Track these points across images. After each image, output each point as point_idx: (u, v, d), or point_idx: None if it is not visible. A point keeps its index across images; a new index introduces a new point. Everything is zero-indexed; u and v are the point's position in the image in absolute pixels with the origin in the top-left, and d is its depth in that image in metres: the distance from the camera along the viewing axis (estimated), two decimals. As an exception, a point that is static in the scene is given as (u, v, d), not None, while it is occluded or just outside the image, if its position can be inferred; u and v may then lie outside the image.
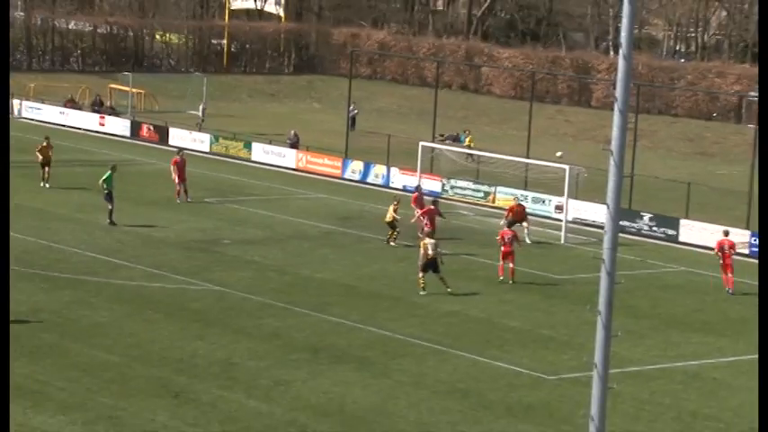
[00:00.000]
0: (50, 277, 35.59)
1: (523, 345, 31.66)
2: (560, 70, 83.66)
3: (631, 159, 49.02)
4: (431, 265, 35.74)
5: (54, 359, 28.32)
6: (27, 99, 72.75)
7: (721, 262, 39.25)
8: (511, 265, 37.97)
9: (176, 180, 47.95)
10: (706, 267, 42.17)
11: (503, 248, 38.05)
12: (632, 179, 48.06)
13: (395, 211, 42.18)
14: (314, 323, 32.51)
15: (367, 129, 63.58)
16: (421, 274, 35.87)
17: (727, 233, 40.57)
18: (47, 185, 49.88)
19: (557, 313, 35.01)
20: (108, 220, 43.03)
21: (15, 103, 71.31)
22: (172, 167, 48.31)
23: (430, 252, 35.70)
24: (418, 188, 46.01)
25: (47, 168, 50.34)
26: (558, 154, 48.70)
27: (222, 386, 27.03)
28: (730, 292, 38.67)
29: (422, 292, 35.65)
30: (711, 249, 41.71)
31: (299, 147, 60.61)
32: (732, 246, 39.38)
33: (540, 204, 49.22)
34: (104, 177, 43.83)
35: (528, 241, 43.87)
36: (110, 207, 43.37)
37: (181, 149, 50.76)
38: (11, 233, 40.26)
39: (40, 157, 50.58)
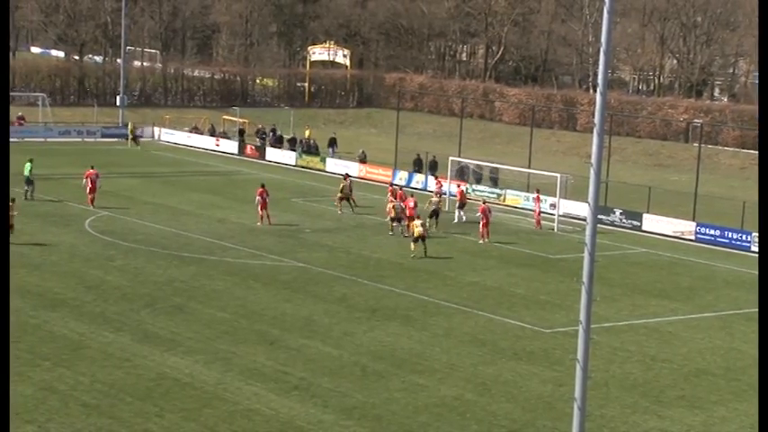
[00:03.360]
0: (180, 256, 35.73)
1: (527, 306, 31.44)
2: (553, 104, 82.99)
3: (606, 169, 48.52)
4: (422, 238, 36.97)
5: (183, 316, 28.44)
6: (164, 127, 73.13)
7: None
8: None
9: (260, 209, 41.04)
10: (663, 249, 41.67)
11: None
12: (607, 184, 47.58)
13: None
14: (372, 290, 32.42)
15: (410, 147, 63.33)
16: (413, 245, 36.89)
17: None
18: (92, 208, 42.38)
19: (551, 283, 34.73)
20: (25, 198, 42.42)
21: (155, 129, 71.81)
22: (258, 199, 41.20)
23: (421, 229, 37.07)
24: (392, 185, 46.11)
25: (92, 194, 42.71)
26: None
27: (304, 336, 27.03)
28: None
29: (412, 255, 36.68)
30: (667, 236, 41.16)
31: (367, 161, 60.40)
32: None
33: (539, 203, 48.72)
34: (27, 167, 43.38)
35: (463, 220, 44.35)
36: (26, 188, 42.72)
37: (347, 175, 46.28)
38: (153, 224, 40.65)
39: (88, 184, 42.73)
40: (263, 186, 42.38)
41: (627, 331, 29.30)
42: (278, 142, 66.07)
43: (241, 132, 69.62)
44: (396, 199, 42.62)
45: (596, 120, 15.08)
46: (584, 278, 15.34)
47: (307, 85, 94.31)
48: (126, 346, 25.43)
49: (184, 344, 25.89)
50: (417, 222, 37.63)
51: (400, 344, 26.81)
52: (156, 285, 31.43)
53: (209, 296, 30.70)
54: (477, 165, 52.81)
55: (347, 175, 48.88)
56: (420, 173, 55.26)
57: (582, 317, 15.42)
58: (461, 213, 45.40)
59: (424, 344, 26.92)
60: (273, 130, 69.04)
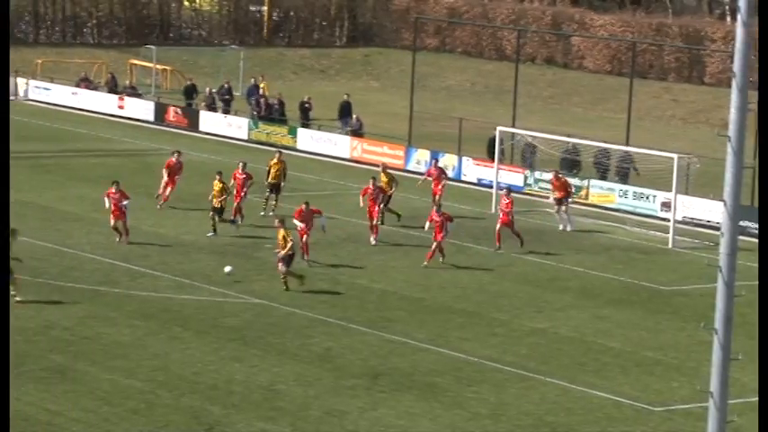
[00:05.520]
0: (62, 288, 35.76)
1: (624, 370, 31.51)
2: (666, 40, 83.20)
3: (754, 146, 48.60)
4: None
5: (67, 385, 28.49)
6: (34, 78, 73.28)
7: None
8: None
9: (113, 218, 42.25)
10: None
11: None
12: (755, 170, 47.66)
13: None
14: (373, 343, 32.50)
15: (434, 111, 63.51)
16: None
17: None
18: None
19: (664, 332, 34.81)
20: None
21: (20, 82, 71.70)
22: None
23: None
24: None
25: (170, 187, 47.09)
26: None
27: (264, 417, 27.10)
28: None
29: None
30: None
31: (364, 134, 60.47)
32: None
33: (643, 201, 48.96)
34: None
35: (568, 228, 45.83)
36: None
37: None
38: (18, 236, 40.64)
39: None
40: (116, 185, 41.15)
41: (787, 410, 29.37)
42: (268, 111, 64.65)
43: (189, 92, 68.57)
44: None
45: (736, 66, 15.15)
46: (718, 323, 15.41)
47: (266, 10, 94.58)
48: (-25, 433, 25.52)
49: (69, 429, 25.94)
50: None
51: (418, 430, 26.88)
52: (22, 335, 31.51)
53: (108, 352, 30.74)
54: (532, 136, 52.77)
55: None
56: (489, 159, 54.86)
57: (714, 386, 15.48)
58: (563, 212, 46.06)
59: (457, 430, 26.98)
60: (254, 89, 67.91)
